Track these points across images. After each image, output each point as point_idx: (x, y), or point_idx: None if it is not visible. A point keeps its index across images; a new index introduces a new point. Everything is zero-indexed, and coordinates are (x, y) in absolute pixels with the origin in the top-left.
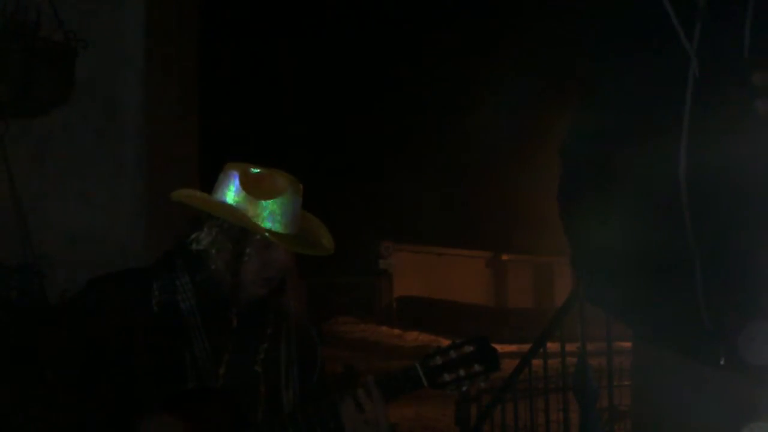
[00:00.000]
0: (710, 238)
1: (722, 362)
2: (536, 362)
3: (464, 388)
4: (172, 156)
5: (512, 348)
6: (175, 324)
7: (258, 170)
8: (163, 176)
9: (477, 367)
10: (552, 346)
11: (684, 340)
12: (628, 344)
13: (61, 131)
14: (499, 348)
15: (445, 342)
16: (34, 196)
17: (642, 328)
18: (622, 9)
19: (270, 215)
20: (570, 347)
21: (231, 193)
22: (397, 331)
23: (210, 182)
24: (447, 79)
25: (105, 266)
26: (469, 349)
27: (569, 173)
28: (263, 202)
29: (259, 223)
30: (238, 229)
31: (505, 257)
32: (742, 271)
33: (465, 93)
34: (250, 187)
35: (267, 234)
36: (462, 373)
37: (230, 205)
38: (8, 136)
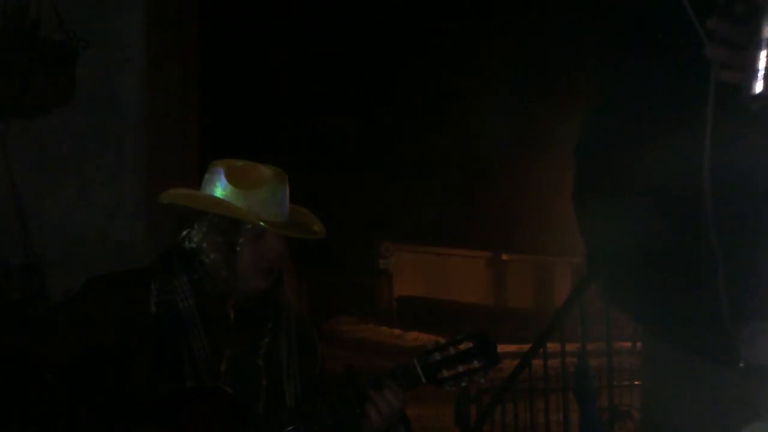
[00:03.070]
0: (734, 241)
1: (742, 365)
2: (536, 362)
3: (463, 384)
4: (172, 155)
5: (512, 348)
6: (173, 324)
7: (242, 163)
8: (163, 176)
9: (476, 363)
10: (552, 346)
11: (703, 342)
12: (628, 344)
13: (61, 131)
14: (499, 348)
15: None
16: (35, 196)
17: (658, 329)
18: (639, 8)
19: (259, 205)
20: (570, 347)
21: (218, 189)
22: (397, 331)
23: None
24: (447, 79)
25: (105, 266)
26: (468, 345)
27: (584, 173)
28: (251, 192)
29: (250, 213)
30: (228, 221)
31: (505, 257)
32: (767, 274)
33: (465, 92)
34: (236, 180)
35: (260, 222)
36: (461, 369)
37: (220, 199)
38: (9, 135)
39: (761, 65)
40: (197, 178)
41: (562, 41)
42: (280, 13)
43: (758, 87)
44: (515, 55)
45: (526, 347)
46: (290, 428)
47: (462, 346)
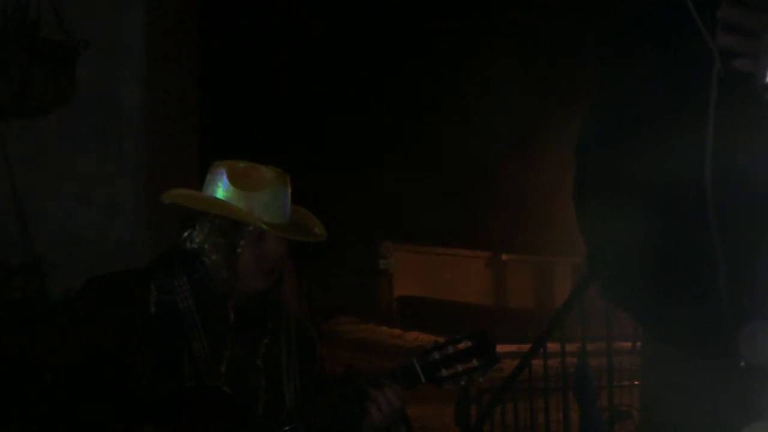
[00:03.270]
0: (735, 241)
1: (742, 365)
2: (536, 362)
3: (462, 383)
4: (172, 156)
5: (512, 348)
6: (173, 324)
7: (244, 164)
8: (163, 176)
9: (475, 362)
10: (552, 346)
11: (703, 342)
12: (627, 344)
13: (61, 131)
14: (499, 348)
15: None
16: (35, 196)
17: (659, 328)
18: (641, 8)
19: (261, 206)
20: (570, 347)
21: (221, 190)
22: (397, 331)
23: None
24: (448, 78)
25: (105, 266)
26: (467, 344)
27: (585, 173)
28: (253, 193)
29: (252, 214)
30: (229, 222)
31: (505, 257)
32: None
33: (466, 92)
34: (238, 181)
35: (261, 224)
36: (460, 368)
37: (222, 201)
38: (9, 135)
39: None
40: (197, 178)
41: (563, 41)
42: (280, 13)
43: None
44: (515, 55)
45: (526, 347)
46: (289, 428)
47: (461, 346)
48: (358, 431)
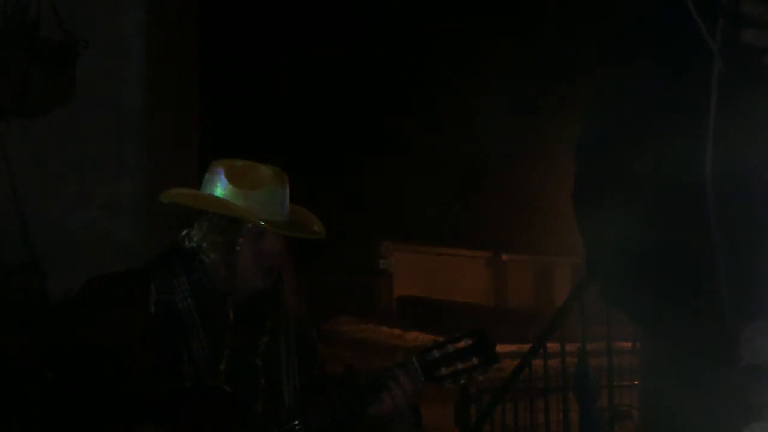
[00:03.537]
0: (735, 241)
1: (743, 365)
2: (536, 362)
3: (462, 382)
4: (172, 156)
5: (512, 348)
6: (172, 324)
7: (242, 163)
8: (163, 176)
9: (475, 361)
10: (552, 346)
11: (703, 342)
12: (628, 344)
13: (61, 131)
14: (499, 348)
15: None
16: (35, 196)
17: (659, 329)
18: (641, 8)
19: (259, 204)
20: (570, 347)
21: (219, 189)
22: (397, 331)
23: None
24: (448, 77)
25: (105, 266)
26: (467, 342)
27: (585, 172)
28: (251, 192)
29: (251, 212)
30: (227, 220)
31: (505, 257)
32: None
33: (466, 92)
34: (236, 180)
35: (260, 222)
36: (460, 366)
37: (221, 199)
38: (9, 135)
39: None
40: (197, 178)
41: (564, 41)
42: (280, 13)
43: None
44: (516, 55)
45: (526, 347)
46: (288, 427)
47: (461, 344)
48: (363, 420)
